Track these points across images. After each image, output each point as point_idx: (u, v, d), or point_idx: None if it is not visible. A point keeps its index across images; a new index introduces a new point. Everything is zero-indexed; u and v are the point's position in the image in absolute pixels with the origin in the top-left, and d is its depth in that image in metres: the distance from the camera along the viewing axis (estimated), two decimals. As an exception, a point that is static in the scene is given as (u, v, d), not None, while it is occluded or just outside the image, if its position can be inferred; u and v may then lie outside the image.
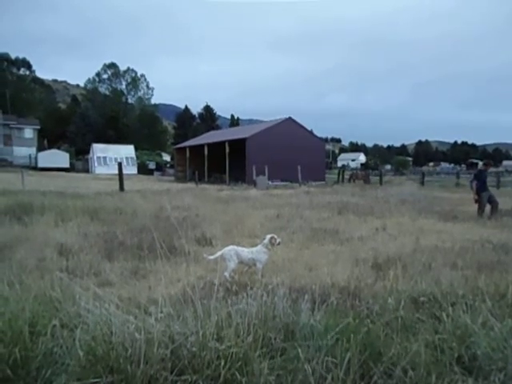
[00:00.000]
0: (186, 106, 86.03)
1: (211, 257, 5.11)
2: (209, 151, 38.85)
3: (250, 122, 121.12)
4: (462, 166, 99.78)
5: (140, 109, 78.64)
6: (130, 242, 6.61)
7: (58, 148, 61.69)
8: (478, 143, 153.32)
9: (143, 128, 74.16)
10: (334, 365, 2.25)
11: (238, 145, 34.74)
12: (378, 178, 32.39)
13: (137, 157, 58.54)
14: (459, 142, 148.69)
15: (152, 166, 59.30)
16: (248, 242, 7.78)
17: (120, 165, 19.36)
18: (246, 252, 5.18)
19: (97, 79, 78.18)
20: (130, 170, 49.26)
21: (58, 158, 54.63)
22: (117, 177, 19.69)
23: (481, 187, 11.46)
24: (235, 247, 5.26)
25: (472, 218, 10.72)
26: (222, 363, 2.24)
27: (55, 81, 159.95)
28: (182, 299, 3.17)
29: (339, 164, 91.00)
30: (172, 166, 54.67)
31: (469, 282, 4.07)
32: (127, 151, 56.79)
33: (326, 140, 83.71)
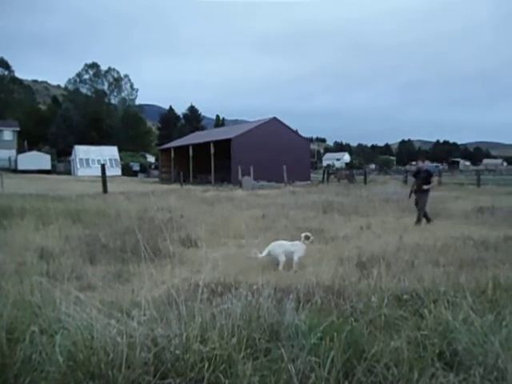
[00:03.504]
0: (171, 107, 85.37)
1: (260, 255, 5.51)
2: (194, 152, 38.63)
3: (236, 122, 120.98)
4: (444, 164, 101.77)
5: (123, 109, 77.60)
6: (113, 244, 6.51)
7: (39, 150, 60.37)
8: (459, 142, 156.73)
9: (127, 129, 73.19)
10: (318, 364, 2.26)
11: (224, 145, 34.66)
12: (362, 177, 32.74)
13: (120, 158, 57.77)
14: (441, 140, 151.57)
15: (136, 167, 58.61)
16: (233, 243, 7.77)
17: (103, 166, 19.08)
18: (288, 245, 5.74)
19: (78, 79, 76.81)
20: (114, 171, 48.56)
21: (39, 159, 53.47)
22: (100, 179, 19.39)
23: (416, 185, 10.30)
24: (280, 242, 5.79)
25: (453, 216, 10.93)
26: (206, 366, 2.22)
27: (35, 81, 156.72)
28: (166, 302, 3.13)
29: (324, 163, 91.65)
30: (156, 168, 54.15)
31: (450, 278, 4.14)
32: (110, 153, 55.99)
33: (311, 140, 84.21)
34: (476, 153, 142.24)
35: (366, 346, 2.56)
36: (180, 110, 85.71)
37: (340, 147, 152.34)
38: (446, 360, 2.56)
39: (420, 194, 9.94)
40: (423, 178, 10.01)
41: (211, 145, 35.70)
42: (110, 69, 77.62)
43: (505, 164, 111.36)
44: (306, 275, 4.80)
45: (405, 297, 3.46)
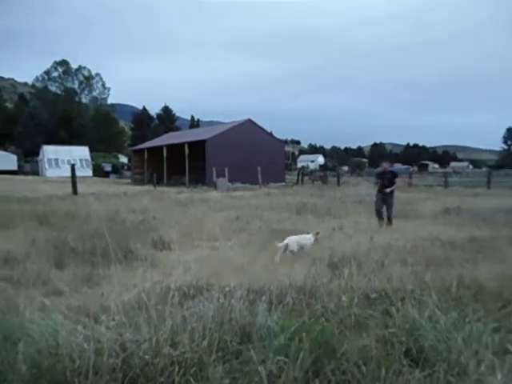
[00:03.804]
0: (144, 107, 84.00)
1: (279, 244, 6.55)
2: (168, 153, 38.12)
3: (211, 123, 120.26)
4: (414, 166, 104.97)
5: (95, 109, 75.64)
6: (82, 247, 6.32)
7: (5, 150, 57.96)
8: (428, 145, 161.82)
9: (98, 129, 71.35)
10: (288, 364, 2.27)
11: (198, 146, 34.39)
12: (335, 179, 33.28)
13: (92, 159, 56.27)
14: (411, 144, 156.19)
15: (108, 168, 57.26)
16: (207, 246, 7.72)
17: (73, 167, 18.53)
18: (301, 238, 6.94)
19: (46, 77, 74.25)
20: (85, 172, 47.23)
21: (4, 159, 51.32)
22: (69, 179, 18.83)
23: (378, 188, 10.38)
24: (294, 237, 6.90)
25: (422, 216, 11.27)
26: (176, 369, 2.19)
27: (1, 78, 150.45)
28: (137, 306, 3.07)
29: (299, 165, 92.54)
30: (129, 169, 53.10)
31: (418, 277, 4.27)
32: (81, 153, 54.44)
33: (285, 142, 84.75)
34: (444, 156, 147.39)
35: (336, 345, 2.61)
36: (154, 110, 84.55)
37: (314, 149, 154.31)
38: (412, 357, 2.63)
39: (385, 195, 10.08)
40: (388, 178, 10.19)
41: (185, 146, 35.34)
42: (80, 67, 75.50)
43: (471, 167, 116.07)
44: (278, 276, 4.83)
45: (374, 296, 3.54)
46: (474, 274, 4.48)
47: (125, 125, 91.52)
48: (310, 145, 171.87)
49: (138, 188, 27.02)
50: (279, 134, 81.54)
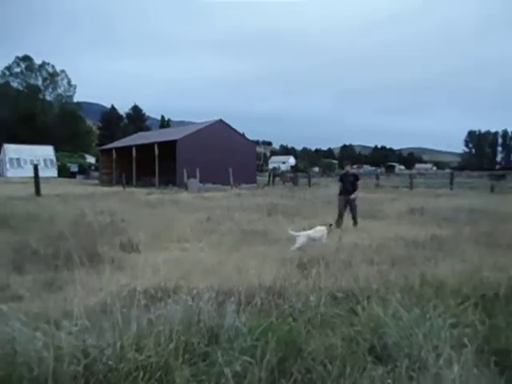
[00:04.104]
0: (113, 106, 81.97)
1: (293, 232, 7.30)
2: (137, 153, 37.34)
3: (182, 123, 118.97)
4: (382, 168, 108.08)
5: (60, 106, 72.91)
6: (45, 250, 6.08)
7: (-38, 148, 54.92)
8: (395, 147, 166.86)
9: (64, 128, 68.80)
10: (254, 365, 2.28)
11: (169, 147, 33.91)
12: (306, 180, 33.71)
13: (57, 158, 54.25)
14: (379, 146, 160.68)
15: (74, 168, 55.38)
16: (177, 247, 7.62)
17: (36, 167, 17.82)
18: (312, 232, 7.46)
19: (7, 73, 70.95)
20: (49, 172, 45.50)
21: (-39, 159, 48.69)
22: (32, 180, 18.08)
23: (341, 189, 10.49)
24: (307, 232, 7.50)
25: (388, 217, 11.61)
26: (141, 374, 2.15)
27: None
28: (101, 310, 2.99)
29: (270, 166, 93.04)
30: (97, 169, 51.60)
31: (383, 276, 4.39)
32: (45, 152, 52.37)
33: (257, 143, 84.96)
34: (410, 158, 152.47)
35: (303, 345, 2.64)
36: (123, 109, 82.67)
37: (286, 150, 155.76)
38: (376, 353, 2.70)
39: (349, 198, 10.22)
40: (350, 182, 10.36)
41: (155, 146, 34.76)
42: (44, 63, 72.53)
43: (434, 168, 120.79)
44: (249, 277, 4.83)
45: (340, 295, 3.61)
46: (435, 271, 4.66)
47: (92, 124, 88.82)
48: (281, 146, 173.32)
49: (106, 189, 26.31)
50: (251, 135, 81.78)
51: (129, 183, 32.77)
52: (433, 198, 18.29)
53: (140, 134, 53.37)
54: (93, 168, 57.18)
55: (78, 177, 51.40)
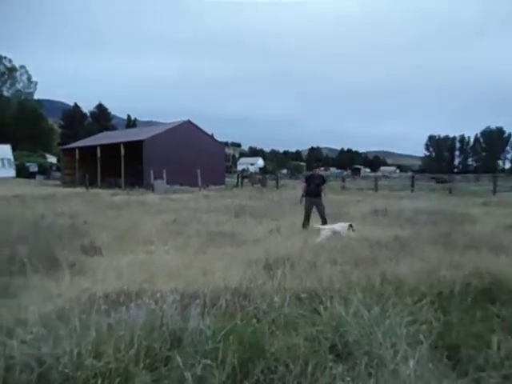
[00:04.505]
0: (76, 104, 79.18)
1: (319, 226, 8.86)
2: (102, 153, 36.23)
3: (149, 123, 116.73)
4: (348, 170, 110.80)
5: (18, 103, 69.51)
6: (-1, 255, 5.78)
7: None
8: (360, 150, 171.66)
9: (23, 126, 65.55)
10: (216, 367, 2.27)
11: (135, 147, 33.13)
12: (274, 181, 33.98)
13: (15, 158, 51.63)
14: (345, 149, 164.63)
15: (34, 168, 52.88)
16: (142, 250, 7.46)
17: (-8, 167, 16.90)
18: (336, 227, 8.51)
19: (-40, 66, 66.94)
20: (6, 172, 43.27)
21: None
22: (-13, 180, 17.13)
23: (307, 191, 10.45)
24: (330, 225, 8.76)
25: (353, 218, 11.90)
26: (100, 381, 2.09)
27: None
28: (59, 316, 2.88)
29: (239, 168, 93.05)
30: (58, 169, 49.61)
31: (346, 276, 4.50)
32: (2, 151, 49.62)
33: (226, 144, 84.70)
34: (375, 161, 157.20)
35: (266, 346, 2.66)
36: (88, 107, 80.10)
37: (254, 152, 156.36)
38: (338, 352, 2.77)
39: (315, 199, 10.30)
40: (316, 184, 10.41)
41: (121, 146, 33.87)
42: (1, 57, 68.91)
43: (398, 171, 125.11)
44: (215, 279, 4.81)
45: (304, 295, 3.67)
46: (396, 271, 4.82)
47: (54, 122, 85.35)
48: (250, 148, 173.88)
49: (69, 190, 25.37)
50: (220, 137, 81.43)
51: (93, 184, 31.76)
52: (395, 199, 18.92)
53: (105, 133, 51.87)
54: (54, 168, 54.90)
55: (38, 177, 49.14)
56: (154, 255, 6.90)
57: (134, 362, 2.26)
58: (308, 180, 10.69)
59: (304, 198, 10.46)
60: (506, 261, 5.61)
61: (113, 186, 31.17)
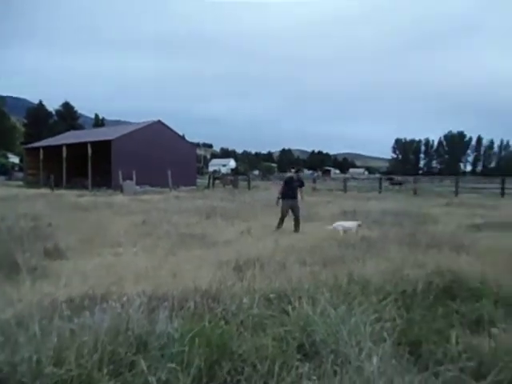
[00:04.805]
0: (41, 101, 76.16)
1: (335, 224, 9.53)
2: (68, 153, 35.02)
3: (118, 123, 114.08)
4: (319, 172, 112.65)
5: (-21, 100, 66.24)
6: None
7: None
8: (331, 152, 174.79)
9: (-17, 124, 62.60)
10: (182, 371, 2.25)
11: (103, 147, 32.24)
12: (246, 182, 34.01)
13: (-26, 157, 49.15)
14: (316, 151, 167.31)
15: (-6, 168, 50.54)
16: (109, 252, 7.27)
17: None
18: (349, 224, 9.47)
19: None
20: (-36, 172, 41.03)
21: None
22: None
23: (285, 193, 10.47)
24: (340, 223, 9.66)
25: (323, 219, 12.10)
26: (60, 389, 2.02)
27: None
28: (18, 322, 2.76)
29: (211, 169, 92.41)
30: (21, 170, 47.53)
31: (314, 276, 4.56)
32: (-40, 150, 47.14)
33: (197, 145, 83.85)
34: (344, 163, 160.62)
35: (234, 347, 2.65)
36: (53, 105, 77.27)
37: (226, 153, 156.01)
38: (305, 351, 2.80)
39: (293, 201, 10.40)
40: (296, 186, 10.54)
41: (88, 146, 32.87)
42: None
43: (366, 173, 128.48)
44: (184, 281, 4.76)
45: (273, 296, 3.69)
46: (362, 270, 4.94)
47: (17, 120, 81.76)
48: (222, 149, 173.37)
49: (32, 191, 24.35)
50: (191, 137, 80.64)
51: (58, 185, 30.63)
52: (364, 200, 19.41)
53: (72, 132, 50.19)
54: (16, 169, 52.61)
55: (-1, 177, 46.97)
56: (122, 257, 6.75)
57: (97, 367, 2.20)
58: (287, 182, 10.72)
59: (281, 200, 10.46)
60: (466, 259, 5.87)
61: (79, 187, 30.22)
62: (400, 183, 33.67)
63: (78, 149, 34.57)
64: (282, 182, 11.27)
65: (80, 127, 68.40)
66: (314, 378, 2.35)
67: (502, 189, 23.20)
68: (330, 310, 3.15)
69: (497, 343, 3.07)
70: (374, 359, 2.39)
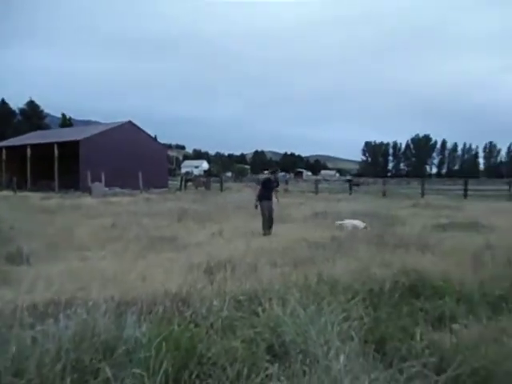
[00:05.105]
0: (3, 100, 72.96)
1: (340, 222, 10.43)
2: (33, 154, 33.72)
3: (87, 123, 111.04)
4: (291, 173, 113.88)
5: None
6: None
7: None
8: (303, 154, 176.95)
9: None
10: (148, 377, 2.21)
11: (71, 148, 31.27)
12: (219, 184, 33.87)
13: None
14: (289, 152, 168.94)
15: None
16: (76, 256, 7.07)
17: None
18: (356, 222, 10.23)
19: None
20: None
21: None
22: None
23: (262, 195, 10.38)
24: (349, 220, 10.45)
25: (295, 220, 12.23)
26: (20, 400, 1.94)
27: None
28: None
29: (183, 171, 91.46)
30: (-18, 171, 45.33)
31: (285, 277, 4.60)
32: None
33: (169, 146, 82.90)
34: (316, 164, 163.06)
35: (204, 350, 2.63)
36: (17, 104, 74.21)
37: (199, 155, 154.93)
38: (274, 352, 2.82)
39: (270, 202, 10.35)
40: (273, 187, 10.56)
41: (55, 146, 31.78)
42: None
43: (337, 175, 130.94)
44: (154, 285, 4.68)
45: (243, 298, 3.69)
46: (332, 270, 5.03)
47: (-23, 119, 77.87)
48: (194, 150, 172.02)
49: (-7, 193, 23.30)
50: (163, 139, 79.51)
51: (22, 187, 29.44)
52: (334, 202, 19.76)
53: (38, 132, 48.40)
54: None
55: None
56: (90, 262, 6.58)
57: (60, 376, 2.12)
58: (265, 184, 10.62)
59: (260, 203, 10.30)
60: (431, 259, 6.09)
61: (45, 189, 29.12)
62: (357, 184, 34.59)
63: (43, 149, 33.36)
64: (257, 185, 11.27)
65: (46, 127, 66.10)
66: (283, 378, 2.37)
67: (465, 190, 24.20)
68: (300, 310, 3.19)
69: (458, 339, 3.20)
70: (341, 358, 2.43)
